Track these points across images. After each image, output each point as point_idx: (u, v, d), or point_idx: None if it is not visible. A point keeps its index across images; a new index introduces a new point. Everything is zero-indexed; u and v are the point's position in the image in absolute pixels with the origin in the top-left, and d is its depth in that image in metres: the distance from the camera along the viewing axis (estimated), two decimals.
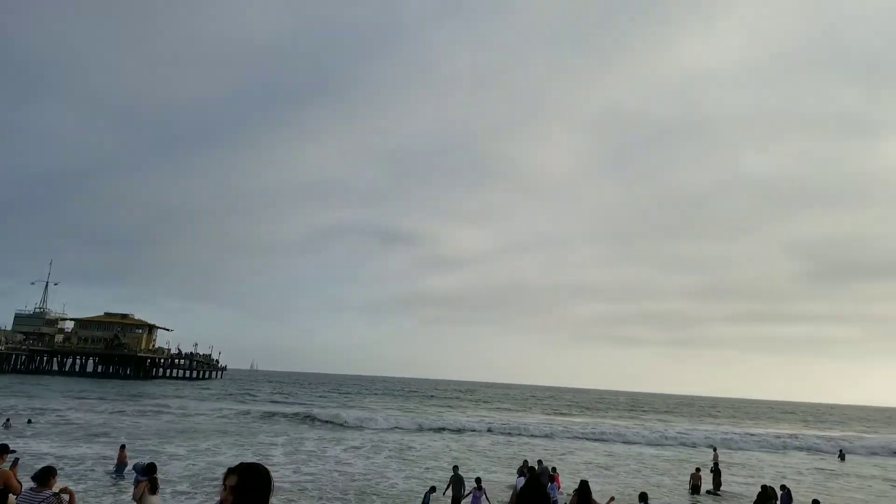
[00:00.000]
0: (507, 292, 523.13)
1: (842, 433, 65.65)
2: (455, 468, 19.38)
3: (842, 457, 43.24)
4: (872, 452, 48.11)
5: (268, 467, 2.68)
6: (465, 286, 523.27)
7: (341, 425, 44.84)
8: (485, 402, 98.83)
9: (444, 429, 46.40)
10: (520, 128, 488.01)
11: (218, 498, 2.87)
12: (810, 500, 18.22)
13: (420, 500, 17.90)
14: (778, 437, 54.96)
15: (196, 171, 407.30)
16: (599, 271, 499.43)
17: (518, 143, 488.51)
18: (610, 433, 49.18)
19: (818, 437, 57.21)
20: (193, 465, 23.71)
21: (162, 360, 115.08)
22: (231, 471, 2.73)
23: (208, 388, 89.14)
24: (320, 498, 19.27)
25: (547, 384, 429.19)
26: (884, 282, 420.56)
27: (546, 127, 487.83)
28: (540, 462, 23.05)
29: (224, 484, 2.69)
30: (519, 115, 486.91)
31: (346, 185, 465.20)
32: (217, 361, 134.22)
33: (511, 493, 19.14)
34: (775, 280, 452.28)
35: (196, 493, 18.50)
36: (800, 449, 47.98)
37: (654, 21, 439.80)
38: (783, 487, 20.38)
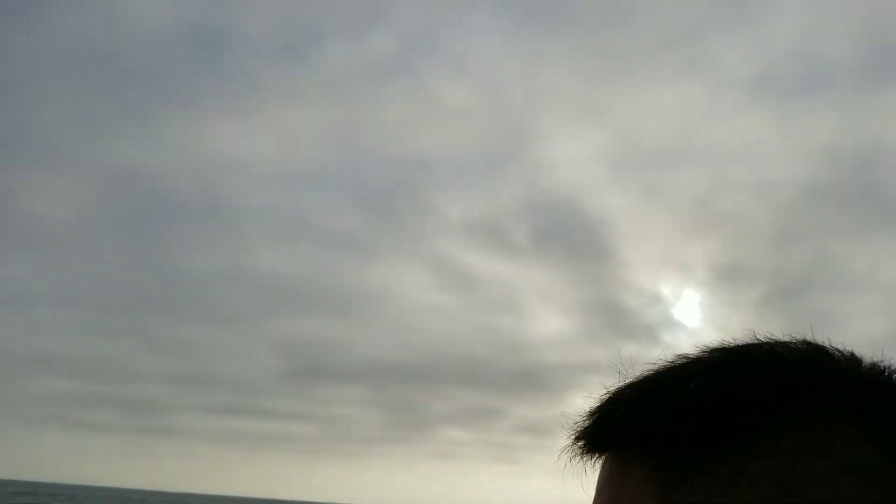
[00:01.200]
0: None
1: None
2: None
3: None
4: None
5: None
6: None
7: None
8: None
9: None
10: (11, 163, 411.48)
11: None
12: None
13: None
14: None
15: None
16: (73, 341, 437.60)
17: (6, 181, 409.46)
18: None
19: None
20: None
21: None
22: None
23: None
24: None
25: None
26: (344, 386, 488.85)
27: (50, 172, 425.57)
28: None
29: None
30: (11, 151, 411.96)
31: None
32: None
33: None
34: (256, 375, 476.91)
35: None
36: None
37: (181, 98, 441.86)
38: None
